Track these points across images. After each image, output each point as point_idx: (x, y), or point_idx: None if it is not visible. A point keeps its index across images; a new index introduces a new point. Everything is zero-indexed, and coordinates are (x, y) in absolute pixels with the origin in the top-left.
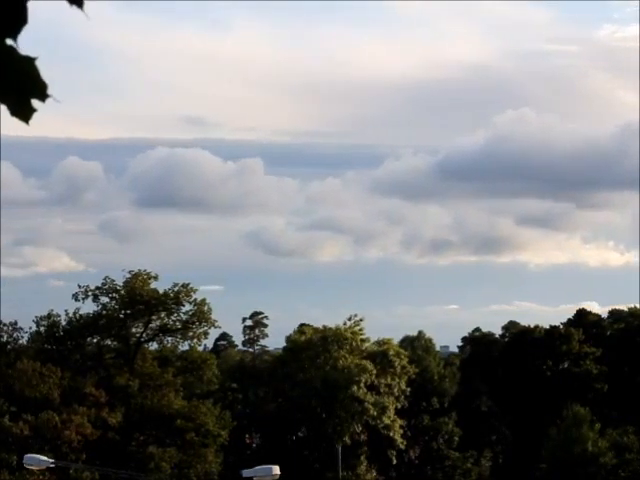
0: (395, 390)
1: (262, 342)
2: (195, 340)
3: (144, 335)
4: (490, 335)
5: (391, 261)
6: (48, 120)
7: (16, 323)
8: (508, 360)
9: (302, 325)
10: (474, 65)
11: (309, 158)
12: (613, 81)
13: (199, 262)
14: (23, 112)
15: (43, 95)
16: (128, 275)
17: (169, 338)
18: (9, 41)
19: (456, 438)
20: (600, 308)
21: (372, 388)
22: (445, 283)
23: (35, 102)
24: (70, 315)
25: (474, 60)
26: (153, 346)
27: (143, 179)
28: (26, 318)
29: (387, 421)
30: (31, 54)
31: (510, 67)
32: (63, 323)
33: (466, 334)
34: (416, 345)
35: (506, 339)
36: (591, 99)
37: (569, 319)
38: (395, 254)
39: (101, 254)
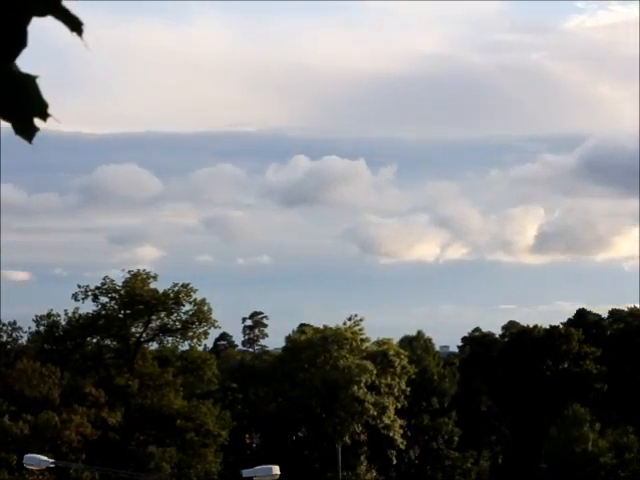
0: (395, 390)
1: (262, 342)
2: (195, 340)
3: (144, 335)
4: (490, 335)
5: (477, 261)
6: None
7: (15, 323)
8: (508, 360)
9: (302, 325)
10: None
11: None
12: None
13: (286, 262)
14: (26, 131)
15: (44, 114)
16: (128, 275)
17: (169, 338)
18: None
19: (456, 438)
20: None
21: (372, 388)
22: (515, 282)
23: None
24: (70, 315)
25: None
26: (153, 346)
27: (270, 180)
28: (28, 318)
29: (387, 421)
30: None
31: None
32: (63, 323)
33: (466, 334)
34: (415, 345)
35: (506, 339)
36: None
37: (569, 319)
38: (487, 253)
39: (202, 253)
